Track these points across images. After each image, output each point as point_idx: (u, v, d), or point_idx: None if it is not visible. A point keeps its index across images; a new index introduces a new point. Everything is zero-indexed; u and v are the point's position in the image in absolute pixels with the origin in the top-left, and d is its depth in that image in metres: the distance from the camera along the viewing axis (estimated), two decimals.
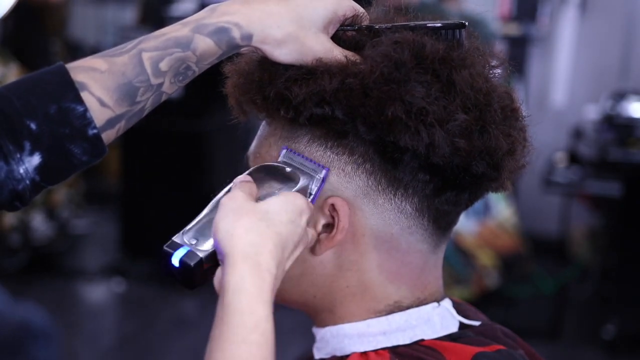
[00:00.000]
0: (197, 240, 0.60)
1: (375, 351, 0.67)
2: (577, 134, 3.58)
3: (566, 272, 3.53)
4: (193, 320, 3.29)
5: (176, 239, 0.61)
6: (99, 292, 3.54)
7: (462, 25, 0.67)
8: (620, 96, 3.57)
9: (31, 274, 3.48)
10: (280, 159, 0.67)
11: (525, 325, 3.00)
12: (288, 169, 0.65)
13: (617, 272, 3.20)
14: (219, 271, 0.59)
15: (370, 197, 0.66)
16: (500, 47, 3.69)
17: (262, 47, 0.65)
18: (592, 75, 4.08)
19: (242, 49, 0.66)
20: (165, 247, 0.60)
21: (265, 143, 0.70)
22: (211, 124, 3.42)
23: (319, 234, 0.67)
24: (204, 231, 0.61)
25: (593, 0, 3.94)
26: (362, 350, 0.68)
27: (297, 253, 0.62)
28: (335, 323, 0.70)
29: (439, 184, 0.66)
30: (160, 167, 3.53)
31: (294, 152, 0.67)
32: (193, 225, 0.62)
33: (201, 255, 0.59)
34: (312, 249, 0.67)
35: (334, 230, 0.66)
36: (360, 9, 0.69)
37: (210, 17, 0.64)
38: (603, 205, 3.50)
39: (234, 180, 0.64)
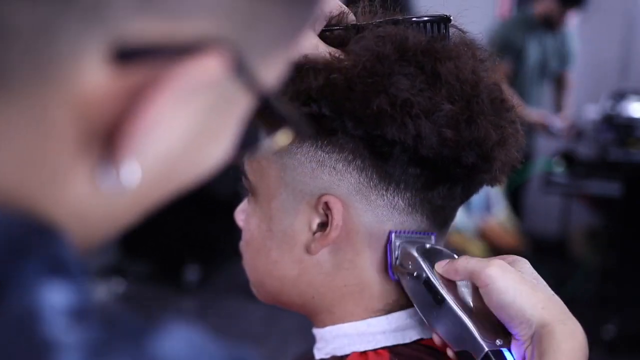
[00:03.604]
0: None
1: (375, 350, 0.67)
2: (577, 134, 3.58)
3: (572, 284, 3.51)
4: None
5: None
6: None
7: (447, 19, 0.67)
8: (620, 96, 3.58)
9: None
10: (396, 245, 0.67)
11: None
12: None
13: (617, 272, 3.20)
14: None
15: (362, 193, 0.65)
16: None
17: None
18: (592, 75, 4.09)
19: None
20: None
21: None
22: None
23: (313, 233, 0.66)
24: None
25: (593, 0, 3.94)
26: (361, 349, 0.68)
27: None
28: (334, 323, 0.70)
29: (430, 178, 0.66)
30: None
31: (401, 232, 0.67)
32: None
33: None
34: (308, 249, 0.67)
35: (328, 229, 0.65)
36: (345, 7, 0.69)
37: None
38: (603, 205, 3.51)
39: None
